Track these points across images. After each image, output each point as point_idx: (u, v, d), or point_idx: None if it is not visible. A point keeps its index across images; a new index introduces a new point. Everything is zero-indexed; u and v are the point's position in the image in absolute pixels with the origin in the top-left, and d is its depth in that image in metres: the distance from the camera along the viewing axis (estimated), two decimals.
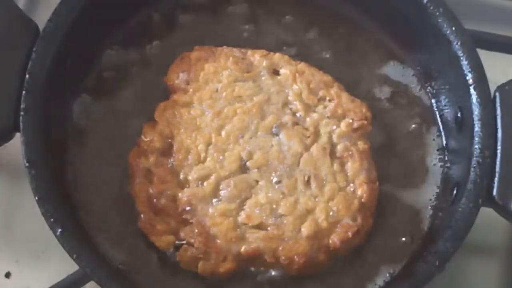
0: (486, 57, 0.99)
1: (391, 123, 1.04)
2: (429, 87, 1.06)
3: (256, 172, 0.95)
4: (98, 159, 0.99)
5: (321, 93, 1.00)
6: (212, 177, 0.94)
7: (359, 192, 0.96)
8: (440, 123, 1.04)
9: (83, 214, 0.96)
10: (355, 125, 0.99)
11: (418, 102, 1.06)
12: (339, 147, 0.98)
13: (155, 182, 0.95)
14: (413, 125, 1.05)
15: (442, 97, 1.04)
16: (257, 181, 0.95)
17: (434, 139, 1.04)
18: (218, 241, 0.92)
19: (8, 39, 0.95)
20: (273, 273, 0.94)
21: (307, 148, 0.97)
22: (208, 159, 0.95)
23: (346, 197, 0.95)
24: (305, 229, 0.93)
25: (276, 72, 1.02)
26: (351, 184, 0.96)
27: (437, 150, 1.03)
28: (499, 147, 0.94)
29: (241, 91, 0.99)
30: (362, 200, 0.96)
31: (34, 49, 0.94)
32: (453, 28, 0.99)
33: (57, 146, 0.97)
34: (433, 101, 1.05)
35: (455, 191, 0.97)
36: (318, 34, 1.08)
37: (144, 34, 1.06)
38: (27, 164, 0.90)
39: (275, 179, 0.95)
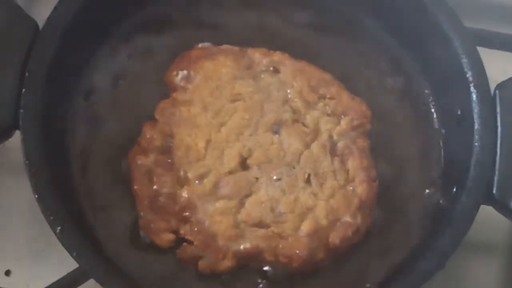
0: (486, 55, 0.99)
1: (390, 121, 1.04)
2: (429, 85, 1.06)
3: (256, 170, 0.95)
4: (98, 157, 0.99)
5: (321, 91, 1.00)
6: (212, 175, 0.94)
7: (359, 190, 0.96)
8: (440, 121, 1.04)
9: (82, 212, 0.96)
10: (355, 123, 0.99)
11: (418, 100, 1.06)
12: (339, 145, 0.98)
13: (155, 180, 0.94)
14: (413, 124, 1.05)
15: (442, 95, 1.04)
16: (257, 179, 0.95)
17: (434, 137, 1.04)
18: (217, 239, 0.92)
19: (7, 37, 0.95)
20: (272, 270, 0.95)
21: (307, 145, 0.97)
22: (208, 156, 0.95)
23: (346, 195, 0.95)
24: (305, 227, 0.93)
25: (276, 70, 1.01)
26: (351, 182, 0.96)
27: (437, 148, 1.03)
28: (499, 145, 0.94)
29: (241, 89, 0.99)
30: (362, 198, 0.96)
31: (33, 47, 0.94)
32: (453, 26, 0.99)
33: (57, 143, 0.97)
34: (433, 99, 1.05)
35: (455, 189, 0.97)
36: (318, 33, 1.08)
37: (143, 32, 1.06)
38: (26, 162, 0.90)
39: (275, 177, 0.95)
